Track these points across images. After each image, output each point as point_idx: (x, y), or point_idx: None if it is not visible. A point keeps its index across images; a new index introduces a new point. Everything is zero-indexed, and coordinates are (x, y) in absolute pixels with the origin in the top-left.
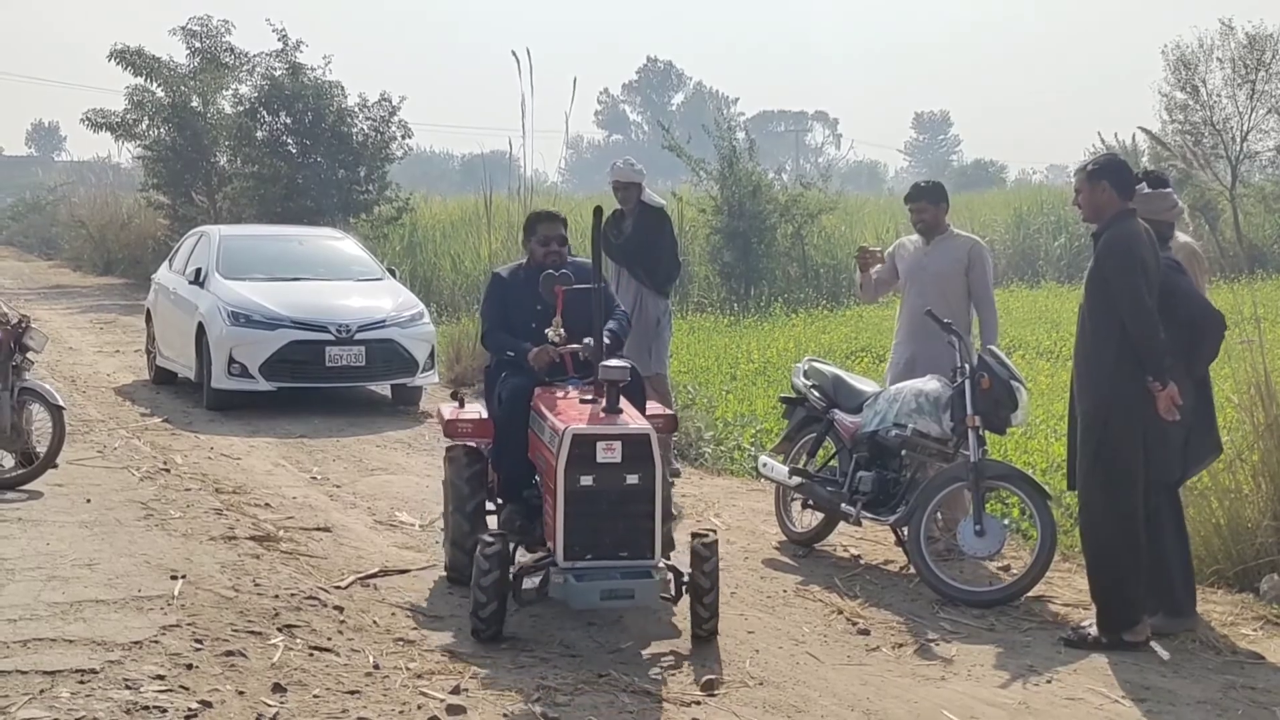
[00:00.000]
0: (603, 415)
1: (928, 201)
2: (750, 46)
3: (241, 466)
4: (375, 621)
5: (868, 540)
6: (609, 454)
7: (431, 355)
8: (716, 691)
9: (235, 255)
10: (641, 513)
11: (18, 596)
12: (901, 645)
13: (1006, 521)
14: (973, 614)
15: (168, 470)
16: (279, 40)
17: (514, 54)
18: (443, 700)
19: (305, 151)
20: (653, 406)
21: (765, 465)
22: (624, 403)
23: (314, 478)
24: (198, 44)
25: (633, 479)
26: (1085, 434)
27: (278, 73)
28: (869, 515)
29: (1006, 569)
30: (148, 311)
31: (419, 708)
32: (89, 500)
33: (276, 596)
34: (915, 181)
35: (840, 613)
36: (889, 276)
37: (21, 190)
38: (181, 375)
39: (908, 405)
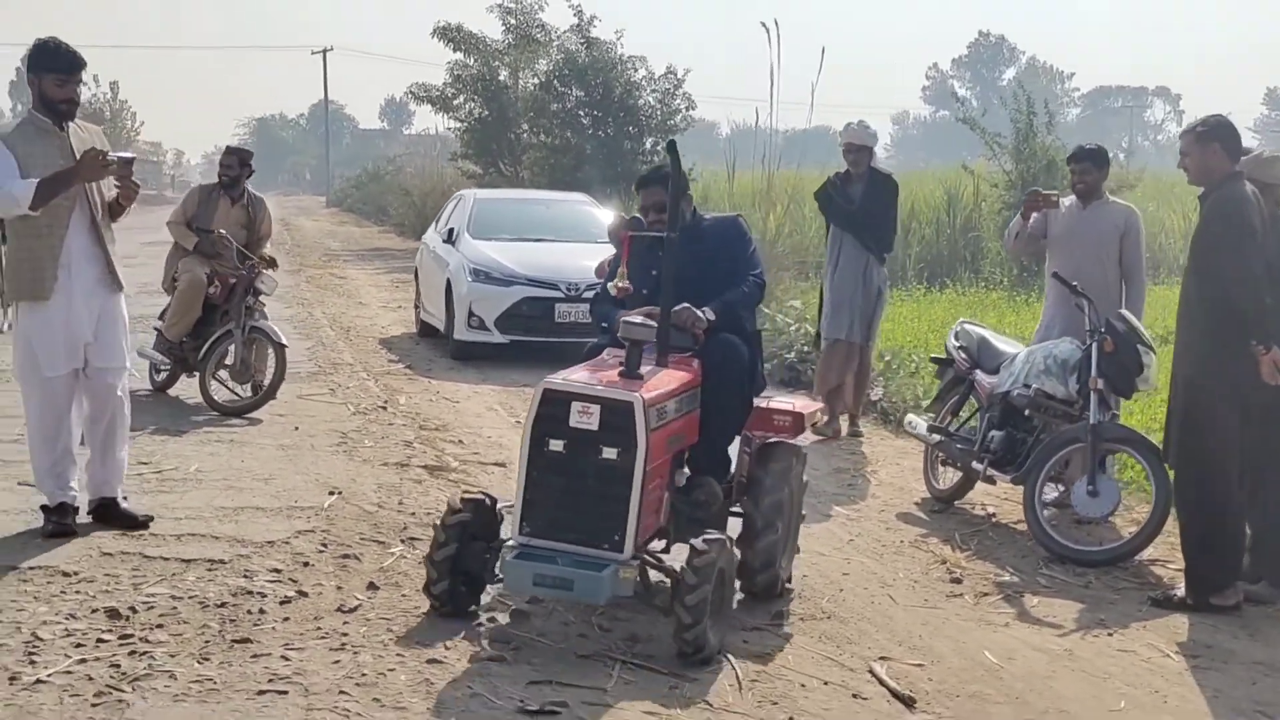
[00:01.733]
0: (605, 376)
1: (1092, 164)
2: (1088, 20)
3: (456, 409)
4: None
5: (1010, 500)
6: (584, 418)
7: None
8: (783, 622)
9: (486, 217)
10: (614, 495)
11: (194, 500)
12: (986, 595)
13: (1122, 484)
14: (1076, 572)
15: (384, 408)
16: (574, 16)
17: (763, 24)
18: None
19: (596, 123)
20: (784, 403)
21: (910, 423)
22: (655, 370)
23: (518, 422)
24: (512, 20)
25: (610, 453)
26: (1183, 397)
27: (573, 48)
28: (995, 472)
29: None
30: (415, 270)
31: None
32: (296, 428)
33: (413, 514)
34: (1080, 144)
35: (944, 563)
36: (1037, 232)
37: (368, 161)
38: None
39: (1037, 366)
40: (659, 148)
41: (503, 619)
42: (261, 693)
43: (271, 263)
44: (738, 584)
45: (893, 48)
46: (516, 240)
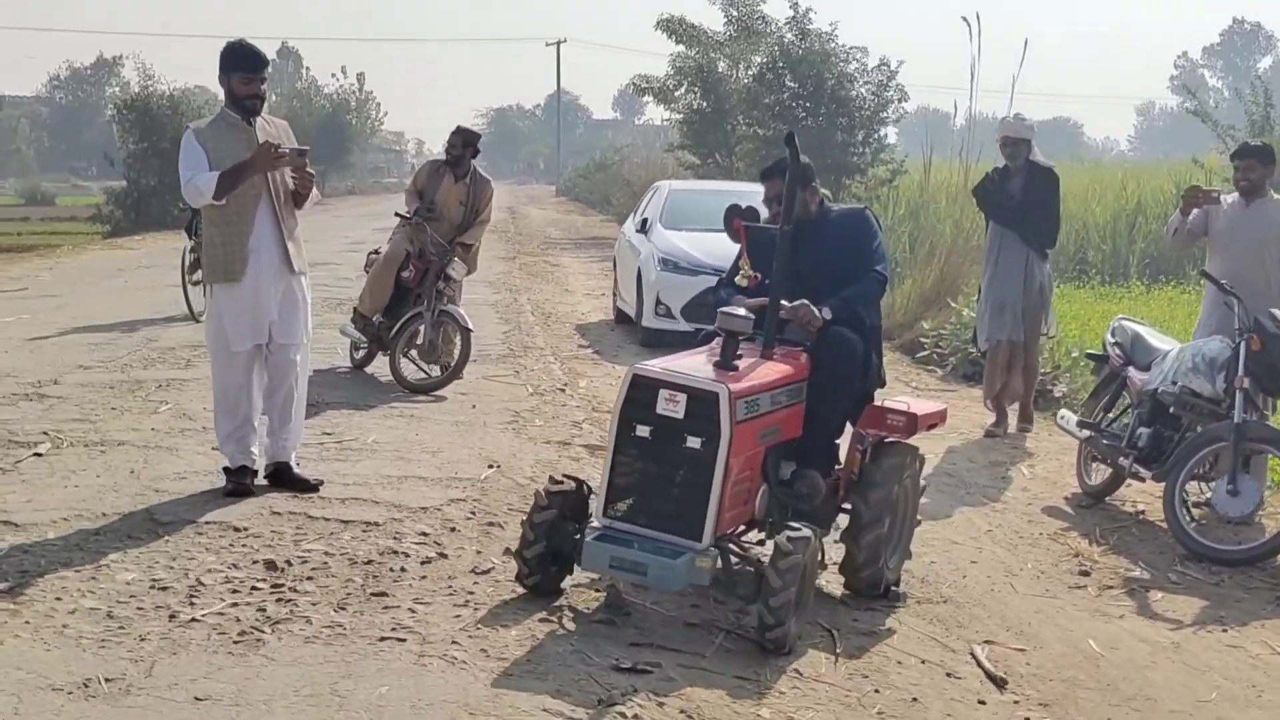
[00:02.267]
0: (697, 364)
1: (1257, 161)
2: None
3: None
4: None
5: (1161, 498)
6: (671, 406)
7: None
8: (897, 604)
9: (678, 207)
10: (696, 483)
11: (365, 468)
12: (1110, 588)
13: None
14: (1212, 571)
15: (562, 390)
16: (790, 8)
17: (964, 19)
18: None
19: (808, 115)
20: (901, 402)
21: (1062, 418)
22: (755, 362)
23: None
24: (734, 12)
25: (694, 442)
26: None
27: (788, 39)
28: (1141, 469)
29: None
30: (614, 258)
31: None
32: (474, 406)
33: None
34: (1245, 140)
35: (1076, 556)
36: (1197, 228)
37: (597, 151)
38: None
39: (1186, 364)
40: (870, 140)
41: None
42: (383, 639)
43: (464, 250)
44: (842, 581)
45: (1141, 36)
46: (706, 230)
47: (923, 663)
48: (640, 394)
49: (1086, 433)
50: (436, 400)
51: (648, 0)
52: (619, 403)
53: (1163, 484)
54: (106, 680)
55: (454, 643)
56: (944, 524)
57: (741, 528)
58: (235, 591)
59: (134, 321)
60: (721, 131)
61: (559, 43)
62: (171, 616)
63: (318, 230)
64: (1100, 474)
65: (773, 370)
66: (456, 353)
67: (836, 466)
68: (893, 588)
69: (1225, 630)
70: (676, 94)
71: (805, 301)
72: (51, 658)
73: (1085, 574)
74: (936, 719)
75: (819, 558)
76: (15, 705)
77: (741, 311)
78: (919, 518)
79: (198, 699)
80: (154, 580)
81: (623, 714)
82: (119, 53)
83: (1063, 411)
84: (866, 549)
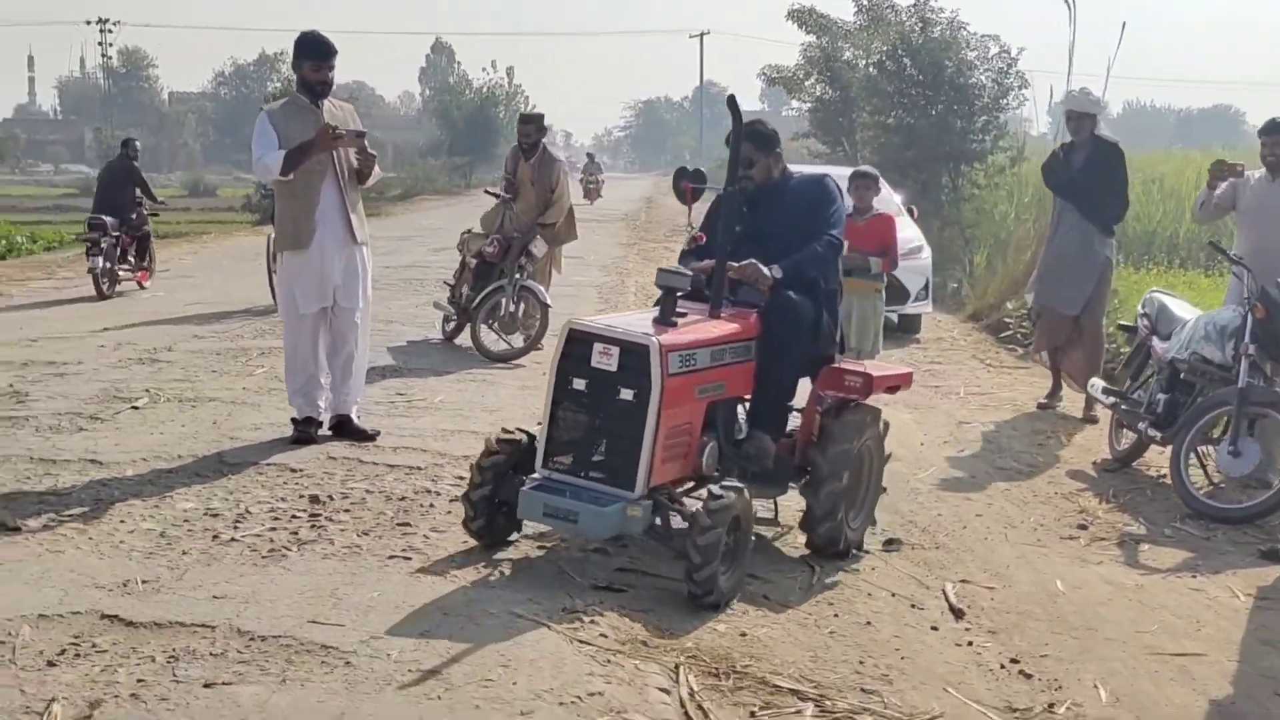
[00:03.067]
0: (634, 320)
1: None
2: None
3: None
4: None
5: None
6: (604, 359)
7: (926, 286)
8: (890, 549)
9: None
10: (628, 435)
11: (424, 423)
12: (1101, 540)
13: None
14: (1209, 528)
15: None
16: None
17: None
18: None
19: (928, 102)
20: (857, 364)
21: (1092, 386)
22: (696, 320)
23: None
24: (864, 1)
25: (626, 394)
26: None
27: (908, 26)
28: (1155, 433)
29: None
30: None
31: None
32: (544, 374)
33: None
34: (1273, 116)
35: (1081, 512)
36: (1225, 203)
37: None
38: None
39: (1199, 333)
40: (990, 126)
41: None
42: (391, 557)
43: (546, 229)
44: (802, 539)
45: None
46: None
47: (892, 595)
48: (576, 348)
49: (1112, 399)
50: (511, 368)
51: None
52: (555, 356)
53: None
54: (143, 582)
55: (451, 561)
56: (964, 482)
57: (690, 486)
58: (276, 519)
59: (254, 299)
60: (848, 119)
61: (702, 34)
62: (214, 537)
63: (453, 218)
64: (1127, 440)
65: (714, 328)
66: (536, 325)
67: (791, 429)
68: (855, 549)
69: (1195, 576)
70: (806, 84)
71: (753, 261)
72: (102, 565)
73: (1082, 528)
74: (885, 639)
75: (752, 513)
76: (60, 596)
77: (680, 269)
78: (884, 486)
79: (215, 597)
80: (208, 509)
81: (581, 618)
82: (280, 49)
83: (1093, 380)
84: (824, 501)
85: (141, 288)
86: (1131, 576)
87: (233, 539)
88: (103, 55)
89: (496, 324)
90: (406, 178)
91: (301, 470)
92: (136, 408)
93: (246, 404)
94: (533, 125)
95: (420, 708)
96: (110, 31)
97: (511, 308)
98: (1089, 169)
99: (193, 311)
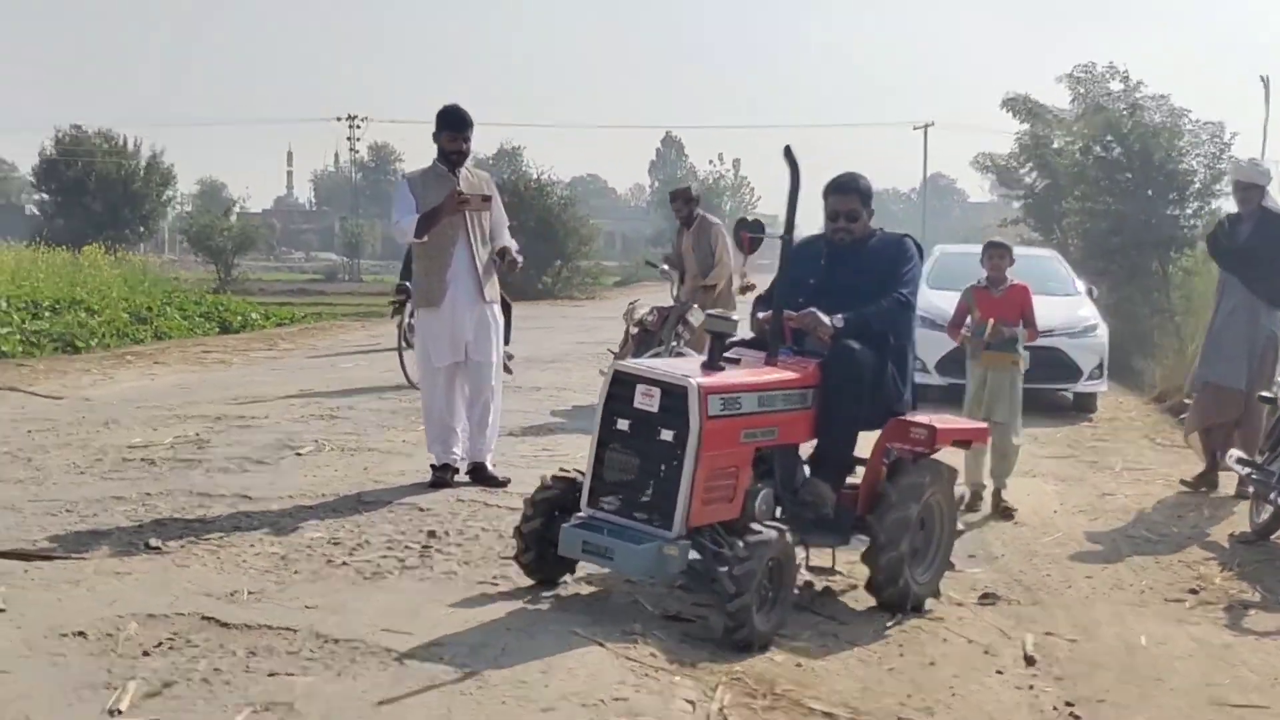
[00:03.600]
0: (680, 363)
1: None
2: None
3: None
4: None
5: None
6: (646, 400)
7: (1100, 365)
8: (985, 603)
9: (947, 268)
10: (667, 475)
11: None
12: (1210, 604)
13: None
14: None
15: None
16: (1121, 82)
17: (1262, 78)
18: None
19: (1136, 188)
20: (924, 417)
21: (1230, 456)
22: (747, 366)
23: None
24: (1081, 90)
25: (666, 435)
26: None
27: (1117, 112)
28: (1274, 502)
29: None
30: None
31: None
32: None
33: None
34: None
35: (1198, 578)
36: None
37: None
38: None
39: None
40: (1202, 213)
41: None
42: (480, 583)
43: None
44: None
45: None
46: None
47: (969, 642)
48: (621, 389)
49: (1247, 470)
50: None
51: (1014, 82)
52: (602, 397)
53: None
54: (249, 593)
55: (535, 589)
56: (1085, 547)
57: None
58: (390, 549)
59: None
60: (1057, 206)
61: (926, 126)
62: (328, 561)
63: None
64: (1267, 513)
65: (763, 374)
66: None
67: (852, 479)
68: (926, 601)
69: None
70: (1020, 172)
71: (813, 310)
72: (219, 578)
73: (1193, 592)
74: (943, 678)
75: (794, 557)
76: (172, 601)
77: (727, 315)
78: (960, 527)
79: (307, 607)
80: (332, 538)
81: (637, 640)
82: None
83: (1231, 450)
84: (885, 570)
85: None
86: (1222, 636)
87: (344, 562)
88: (351, 150)
89: None
90: (628, 265)
91: (429, 510)
92: (300, 454)
93: (400, 454)
94: (680, 199)
95: (451, 700)
96: (358, 127)
97: None
98: (1255, 241)
99: (386, 377)
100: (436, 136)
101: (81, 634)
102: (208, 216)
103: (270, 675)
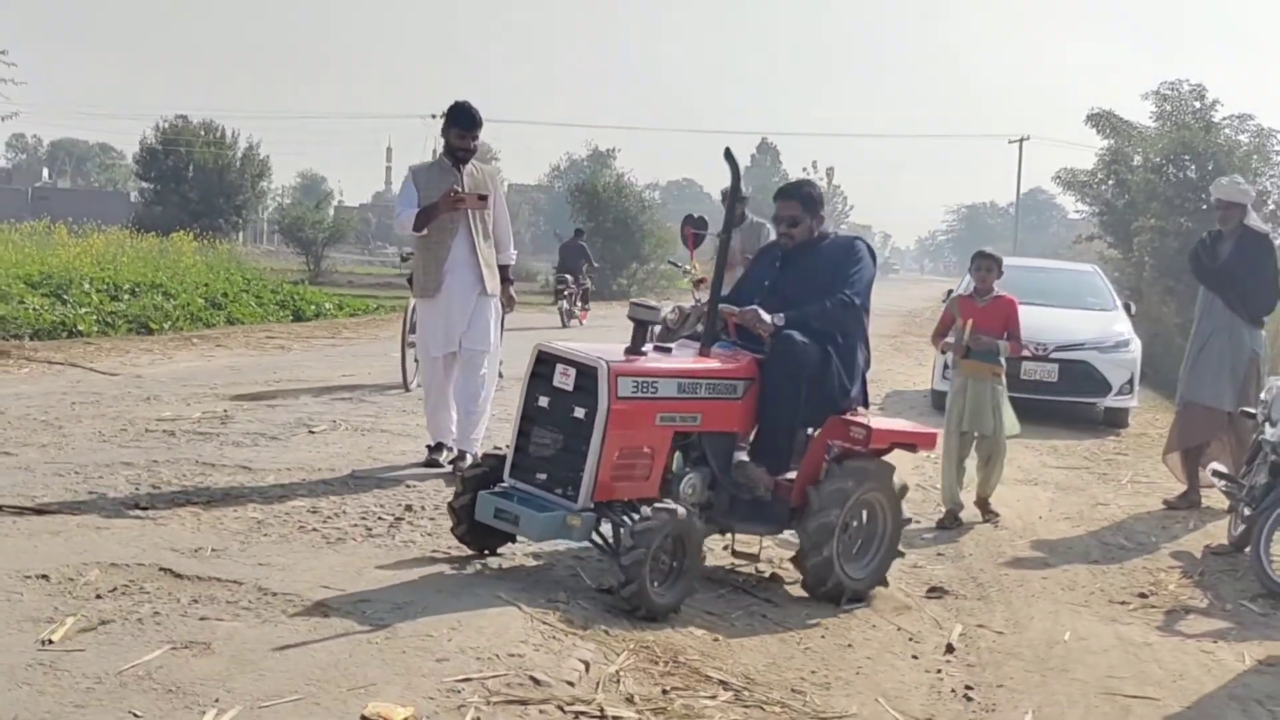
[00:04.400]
0: (600, 346)
1: None
2: None
3: None
4: None
5: None
6: (564, 379)
7: (1131, 381)
8: (931, 596)
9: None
10: (578, 449)
11: None
12: (1154, 608)
13: None
14: (1276, 606)
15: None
16: (1196, 99)
17: None
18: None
19: (1209, 208)
20: (864, 415)
21: (1211, 470)
22: (672, 353)
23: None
24: (1168, 107)
25: (579, 412)
26: None
27: (1191, 129)
28: (1247, 513)
29: None
30: None
31: None
32: None
33: None
34: None
35: (1155, 584)
36: None
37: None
38: None
39: None
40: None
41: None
42: (434, 552)
43: None
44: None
45: None
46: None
47: (898, 630)
48: (543, 369)
49: (1222, 483)
50: None
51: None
52: (526, 375)
53: None
54: (212, 550)
55: (478, 559)
56: (1056, 551)
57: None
58: (364, 519)
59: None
60: (1129, 223)
61: (1021, 140)
62: (300, 527)
63: None
64: (1242, 525)
65: (686, 361)
66: None
67: (783, 467)
68: (855, 600)
69: (1215, 642)
70: (1102, 189)
71: (755, 307)
72: (191, 536)
73: (1142, 595)
74: (855, 659)
75: (696, 533)
76: (137, 553)
77: (651, 302)
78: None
79: (260, 564)
80: (313, 507)
81: (560, 607)
82: (612, 145)
83: (1212, 464)
84: (811, 573)
85: (581, 324)
86: (1148, 636)
87: (314, 529)
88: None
89: None
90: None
91: (414, 487)
92: (313, 432)
93: (409, 436)
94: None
95: (357, 648)
96: None
97: None
98: (1236, 259)
99: None
100: (445, 132)
101: (44, 576)
102: (300, 209)
103: (201, 620)
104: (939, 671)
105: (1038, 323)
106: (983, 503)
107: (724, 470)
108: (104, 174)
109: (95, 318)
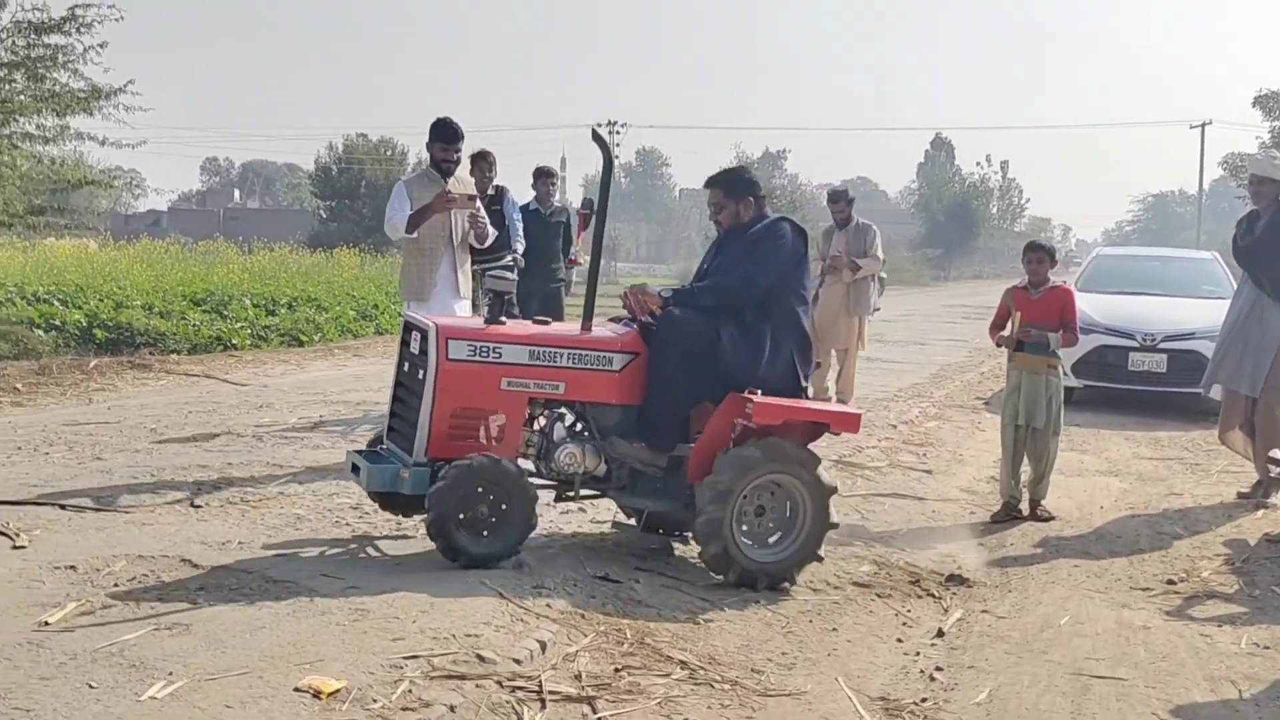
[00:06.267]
0: (454, 316)
1: None
2: None
3: (970, 434)
4: None
5: None
6: (416, 344)
7: None
8: (950, 584)
9: (1102, 272)
10: (415, 409)
11: None
12: (1176, 594)
13: None
14: None
15: (897, 426)
16: None
17: None
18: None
19: None
20: (797, 403)
21: (1270, 456)
22: (537, 324)
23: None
24: None
25: (420, 374)
26: None
27: None
28: None
29: None
30: None
31: None
32: None
33: None
34: None
35: (1189, 570)
36: None
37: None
38: None
39: None
40: None
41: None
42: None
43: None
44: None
45: None
46: (1118, 294)
47: (895, 615)
48: (407, 335)
49: (1276, 471)
50: None
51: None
52: (398, 344)
53: None
54: (239, 543)
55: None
56: (1101, 537)
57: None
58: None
59: None
60: None
61: (1203, 125)
62: (335, 523)
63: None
64: None
65: (542, 330)
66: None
67: (667, 444)
68: (768, 582)
69: (1220, 627)
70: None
71: (644, 284)
72: (225, 530)
73: (1170, 582)
74: (833, 642)
75: (520, 489)
76: (167, 546)
77: (506, 275)
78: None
79: (278, 555)
80: (356, 504)
81: (544, 593)
82: (783, 148)
83: (1275, 452)
84: (698, 530)
85: None
86: (1153, 621)
87: (349, 524)
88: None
89: None
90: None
91: None
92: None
93: None
94: (842, 201)
95: (322, 629)
96: (619, 133)
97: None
98: (1268, 236)
99: None
100: (430, 146)
101: (72, 567)
102: None
103: (193, 604)
104: (917, 654)
105: (1146, 313)
106: (1034, 504)
107: (606, 440)
108: (290, 193)
109: (249, 332)
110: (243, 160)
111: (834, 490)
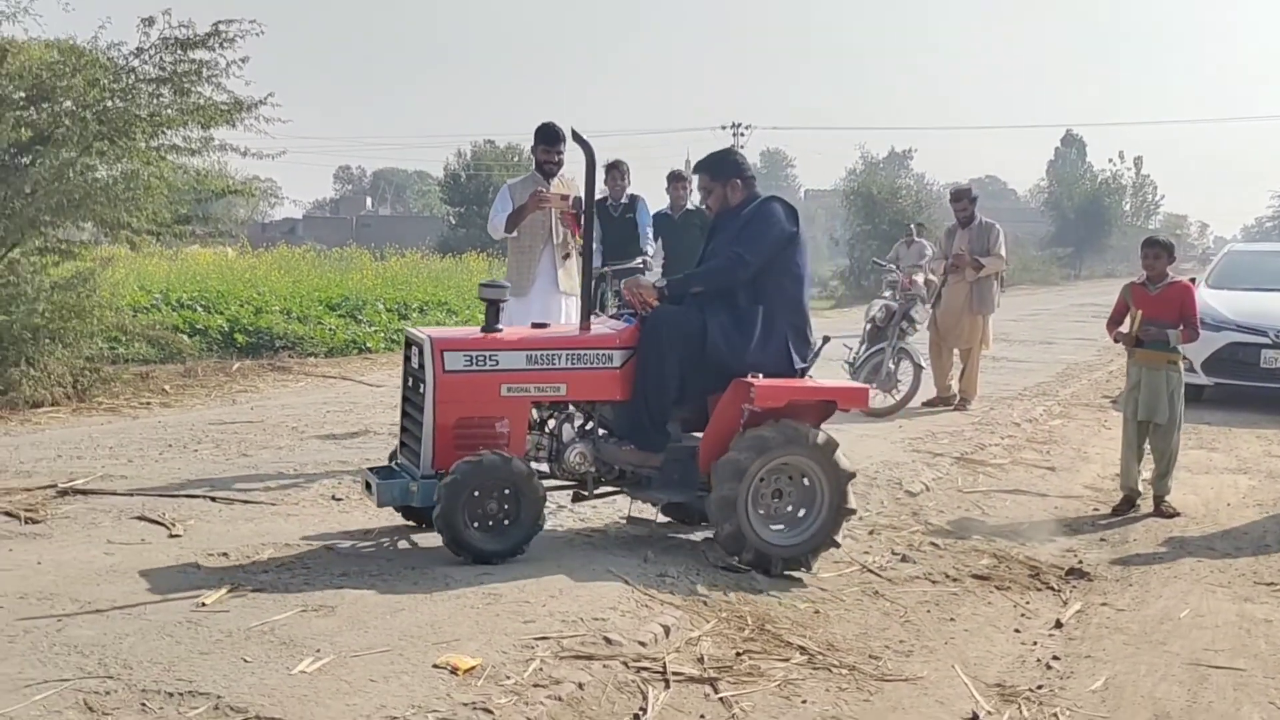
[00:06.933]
0: (460, 329)
1: None
2: None
3: (1095, 431)
4: None
5: None
6: (416, 358)
7: None
8: (1070, 577)
9: (1233, 268)
10: (419, 420)
11: None
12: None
13: None
14: None
15: (1018, 424)
16: None
17: None
18: None
19: None
20: (801, 382)
21: None
22: (533, 329)
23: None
24: None
25: (421, 387)
26: None
27: None
28: None
29: None
30: None
31: None
32: (900, 426)
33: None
34: None
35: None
36: None
37: None
38: None
39: None
40: None
41: None
42: (566, 529)
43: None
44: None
45: None
46: (1253, 290)
47: (1014, 606)
48: (409, 351)
49: None
50: (876, 421)
51: None
52: (402, 361)
53: None
54: (379, 533)
55: (626, 537)
56: (1230, 535)
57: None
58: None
59: None
60: None
61: None
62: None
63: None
64: None
65: (538, 333)
66: (907, 385)
67: (658, 440)
68: (787, 567)
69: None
70: None
71: (636, 277)
72: (368, 521)
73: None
74: (952, 631)
75: (529, 488)
76: (312, 535)
77: (499, 282)
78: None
79: (417, 544)
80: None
81: (668, 580)
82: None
83: None
84: (710, 508)
85: None
86: (1275, 614)
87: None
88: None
89: (877, 382)
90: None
91: None
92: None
93: None
94: (965, 199)
95: (458, 611)
96: (743, 135)
97: (890, 367)
98: None
99: None
100: (534, 149)
101: (224, 554)
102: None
103: (338, 588)
104: (1035, 644)
105: (1279, 310)
106: (1158, 501)
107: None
108: (420, 199)
109: (383, 335)
110: (374, 168)
111: (852, 476)
